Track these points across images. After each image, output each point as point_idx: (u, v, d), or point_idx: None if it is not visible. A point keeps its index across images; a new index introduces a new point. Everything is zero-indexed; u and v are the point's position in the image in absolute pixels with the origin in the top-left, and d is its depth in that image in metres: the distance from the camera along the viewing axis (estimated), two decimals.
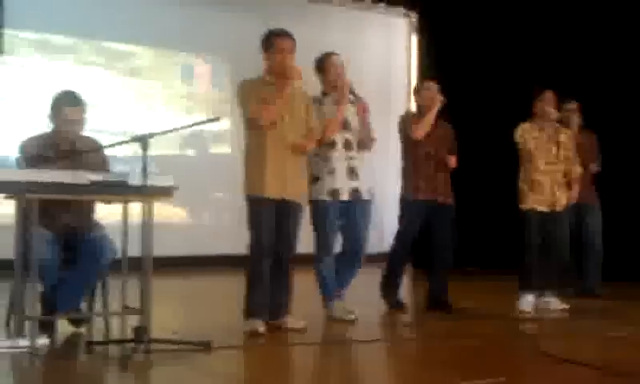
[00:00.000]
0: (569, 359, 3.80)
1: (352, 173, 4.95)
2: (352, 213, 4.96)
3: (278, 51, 4.48)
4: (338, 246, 5.07)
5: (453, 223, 5.49)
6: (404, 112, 5.61)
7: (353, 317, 4.87)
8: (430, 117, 5.35)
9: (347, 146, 4.97)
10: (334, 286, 4.97)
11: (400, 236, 5.48)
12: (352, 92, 5.02)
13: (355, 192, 4.95)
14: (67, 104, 4.25)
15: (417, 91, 5.67)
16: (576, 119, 6.22)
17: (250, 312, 4.44)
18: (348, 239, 5.02)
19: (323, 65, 5.05)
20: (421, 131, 5.33)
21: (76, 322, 4.33)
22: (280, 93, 4.40)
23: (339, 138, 4.94)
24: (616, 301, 6.10)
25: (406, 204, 5.47)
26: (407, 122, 5.46)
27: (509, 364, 3.87)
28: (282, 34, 4.54)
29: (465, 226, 8.31)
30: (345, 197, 4.91)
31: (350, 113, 4.99)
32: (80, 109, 4.30)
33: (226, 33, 8.43)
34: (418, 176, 5.41)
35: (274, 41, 4.51)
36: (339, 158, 4.93)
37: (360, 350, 4.27)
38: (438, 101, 5.37)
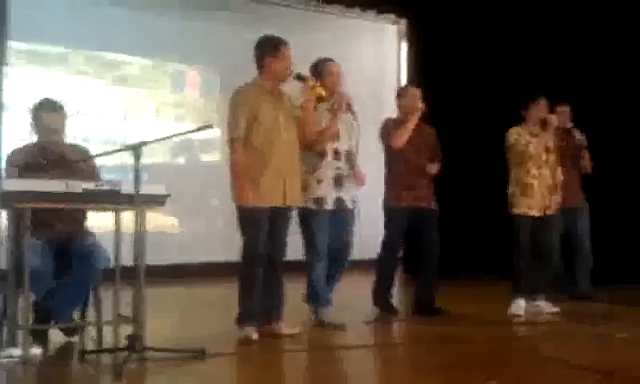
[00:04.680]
0: (561, 360, 3.83)
1: (338, 183, 5.00)
2: (336, 221, 5.02)
3: (283, 59, 4.52)
4: None
5: (437, 228, 5.51)
6: (384, 120, 5.58)
7: (341, 322, 4.89)
8: (410, 125, 5.38)
9: (336, 156, 5.01)
10: (324, 291, 5.00)
11: (386, 243, 5.51)
12: (349, 108, 5.06)
13: (339, 201, 5.01)
14: (45, 111, 4.24)
15: (399, 96, 5.64)
16: (569, 122, 6.25)
17: (242, 319, 4.45)
18: (332, 246, 5.06)
19: (322, 70, 5.05)
20: (400, 141, 5.36)
21: (69, 332, 4.33)
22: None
23: (329, 147, 4.97)
24: (606, 303, 6.13)
25: (388, 211, 5.49)
26: (387, 131, 5.46)
27: (500, 367, 3.89)
28: (284, 41, 4.58)
29: (457, 232, 8.39)
30: (329, 206, 4.96)
31: (342, 123, 5.02)
32: (59, 115, 4.27)
33: (216, 41, 8.44)
34: (399, 184, 5.44)
35: (281, 47, 4.54)
36: (327, 168, 4.97)
37: (352, 355, 4.28)
38: (418, 109, 5.41)
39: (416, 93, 5.55)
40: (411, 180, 5.44)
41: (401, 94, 5.64)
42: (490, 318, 5.35)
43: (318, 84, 4.74)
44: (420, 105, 5.41)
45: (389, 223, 5.50)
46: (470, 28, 8.47)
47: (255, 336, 4.37)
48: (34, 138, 4.31)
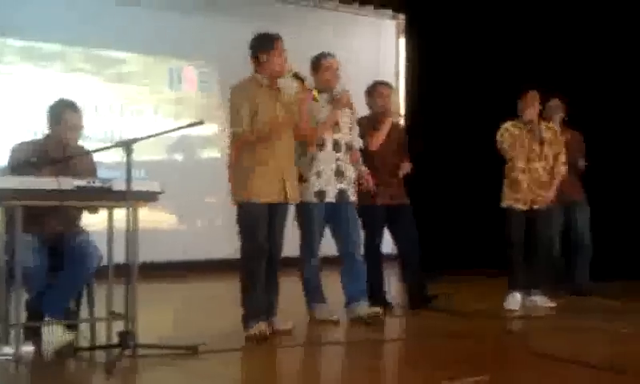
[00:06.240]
0: (553, 355, 3.81)
1: (339, 174, 4.95)
2: (339, 214, 4.96)
3: (277, 54, 4.49)
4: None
5: (413, 222, 5.52)
6: (358, 119, 5.36)
7: (336, 317, 4.88)
8: (384, 130, 5.36)
9: (336, 147, 4.96)
10: (317, 287, 4.97)
11: (367, 242, 5.44)
12: (350, 105, 5.05)
13: (342, 193, 4.95)
14: (68, 110, 4.29)
15: (368, 95, 5.56)
16: (558, 116, 6.22)
17: (251, 315, 4.36)
18: (340, 240, 5.02)
19: (318, 66, 5.03)
20: (375, 144, 5.35)
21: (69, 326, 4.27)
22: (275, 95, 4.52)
23: (328, 139, 4.93)
24: (605, 298, 6.11)
25: (365, 211, 5.42)
26: (362, 131, 5.31)
27: (494, 362, 3.89)
28: (277, 36, 4.55)
29: (452, 227, 8.38)
30: (331, 198, 4.91)
31: (343, 115, 5.00)
32: (80, 115, 4.34)
33: (214, 37, 8.42)
34: (373, 183, 5.38)
35: (274, 43, 4.51)
36: (327, 160, 4.92)
37: (347, 350, 4.28)
38: (391, 112, 5.41)
39: (384, 92, 5.52)
40: (385, 179, 5.42)
41: (369, 92, 5.57)
42: (485, 313, 5.34)
43: (314, 87, 4.67)
44: (392, 106, 5.42)
45: (366, 222, 5.41)
46: (469, 23, 8.45)
47: (268, 330, 4.32)
48: (35, 135, 4.33)
